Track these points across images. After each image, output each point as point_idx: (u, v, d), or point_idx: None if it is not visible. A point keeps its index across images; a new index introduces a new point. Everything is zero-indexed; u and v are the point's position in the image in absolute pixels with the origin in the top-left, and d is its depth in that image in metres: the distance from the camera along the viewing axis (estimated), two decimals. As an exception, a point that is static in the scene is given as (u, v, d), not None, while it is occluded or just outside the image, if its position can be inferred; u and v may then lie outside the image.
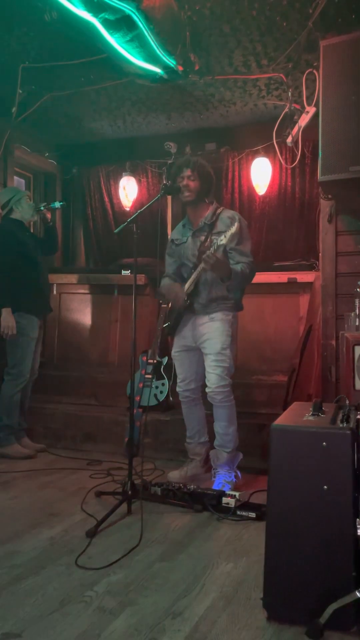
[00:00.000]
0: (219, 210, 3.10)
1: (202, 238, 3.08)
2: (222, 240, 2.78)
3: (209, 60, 3.57)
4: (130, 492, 2.66)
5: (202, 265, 2.90)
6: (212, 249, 2.82)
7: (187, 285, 3.08)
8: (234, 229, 2.77)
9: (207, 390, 3.04)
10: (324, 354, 3.37)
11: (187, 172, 3.03)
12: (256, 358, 4.30)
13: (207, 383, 3.03)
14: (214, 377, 2.99)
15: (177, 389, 3.25)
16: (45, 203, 3.98)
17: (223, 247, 2.87)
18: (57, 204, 3.96)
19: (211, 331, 3.02)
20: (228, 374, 3.01)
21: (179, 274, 3.26)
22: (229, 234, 2.77)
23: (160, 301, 4.01)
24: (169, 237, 3.43)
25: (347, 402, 2.06)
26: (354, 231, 3.31)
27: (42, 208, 3.92)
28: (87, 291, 4.93)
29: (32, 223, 4.08)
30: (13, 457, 3.63)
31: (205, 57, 3.52)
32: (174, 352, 3.25)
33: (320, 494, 1.70)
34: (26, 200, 3.82)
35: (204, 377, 3.08)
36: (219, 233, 2.98)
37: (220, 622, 1.73)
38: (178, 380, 3.24)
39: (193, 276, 3.05)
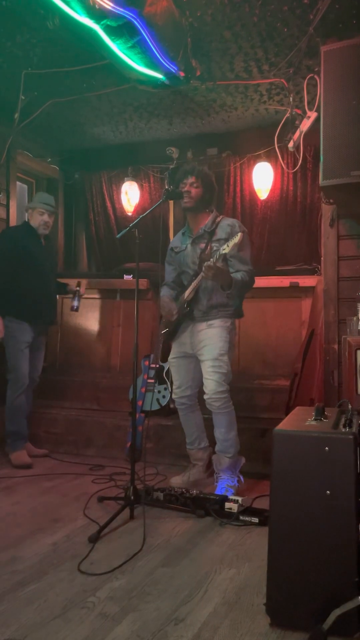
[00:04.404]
0: (218, 218, 3.10)
1: (202, 245, 3.08)
2: (225, 249, 2.76)
3: (211, 66, 3.59)
4: (132, 498, 2.66)
5: (202, 274, 2.89)
6: (213, 259, 2.81)
7: (187, 293, 3.08)
8: (237, 239, 2.73)
9: (205, 397, 3.01)
10: (326, 359, 3.36)
11: (191, 179, 3.05)
12: (258, 362, 4.29)
13: (205, 390, 3.00)
14: (212, 383, 2.96)
15: (173, 396, 3.24)
16: (79, 290, 4.05)
17: (224, 256, 2.84)
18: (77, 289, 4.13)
19: (209, 337, 3.01)
20: (226, 380, 2.98)
21: (179, 282, 3.26)
22: (231, 243, 2.74)
23: None
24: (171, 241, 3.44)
25: (350, 406, 2.05)
26: (356, 235, 3.31)
27: (70, 294, 4.10)
28: (89, 296, 4.93)
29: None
30: (13, 465, 3.61)
31: (206, 62, 3.54)
32: (170, 358, 3.23)
33: (322, 499, 1.70)
34: (45, 218, 3.76)
35: (201, 383, 3.07)
36: (219, 240, 2.98)
37: (222, 628, 1.73)
38: (174, 387, 3.22)
39: (193, 284, 3.04)
